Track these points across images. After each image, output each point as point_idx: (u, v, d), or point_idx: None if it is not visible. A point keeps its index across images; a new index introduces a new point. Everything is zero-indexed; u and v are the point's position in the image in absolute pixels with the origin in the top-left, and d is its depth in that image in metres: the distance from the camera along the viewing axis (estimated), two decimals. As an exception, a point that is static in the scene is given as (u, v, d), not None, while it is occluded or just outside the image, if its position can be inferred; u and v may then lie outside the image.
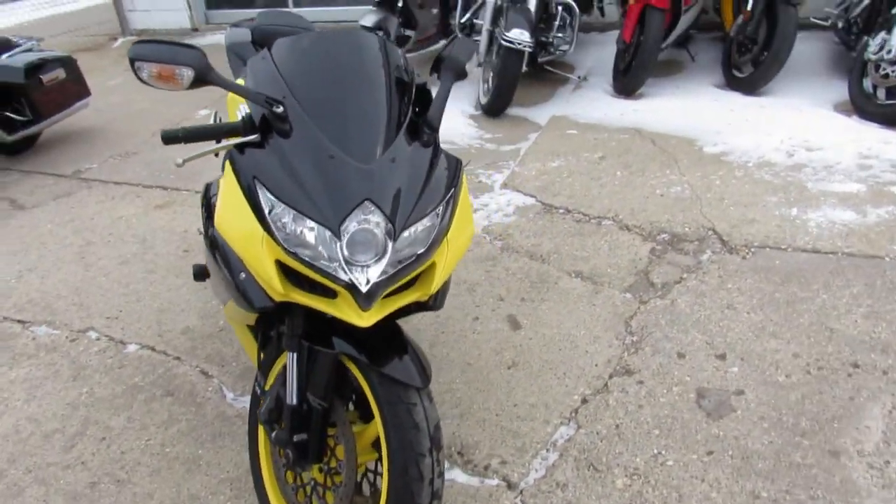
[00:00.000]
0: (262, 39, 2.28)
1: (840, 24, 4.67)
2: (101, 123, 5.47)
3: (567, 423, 2.18)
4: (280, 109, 1.43)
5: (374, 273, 1.36)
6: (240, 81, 1.71)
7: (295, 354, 1.56)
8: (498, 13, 4.67)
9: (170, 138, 1.48)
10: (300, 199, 1.36)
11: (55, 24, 9.89)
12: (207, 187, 2.03)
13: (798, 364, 2.32)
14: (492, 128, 4.71)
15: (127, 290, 3.14)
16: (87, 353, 2.72)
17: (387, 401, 1.48)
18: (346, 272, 1.35)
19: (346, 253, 1.34)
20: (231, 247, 1.51)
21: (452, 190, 1.50)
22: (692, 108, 4.56)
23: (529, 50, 4.43)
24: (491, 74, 4.78)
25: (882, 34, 4.00)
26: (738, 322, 2.55)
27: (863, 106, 4.14)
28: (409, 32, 5.40)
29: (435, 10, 5.60)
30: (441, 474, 1.52)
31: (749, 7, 4.50)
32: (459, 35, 5.33)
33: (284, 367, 1.59)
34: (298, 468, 1.65)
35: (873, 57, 4.02)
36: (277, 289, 1.40)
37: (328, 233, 1.34)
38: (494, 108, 4.81)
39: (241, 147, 1.48)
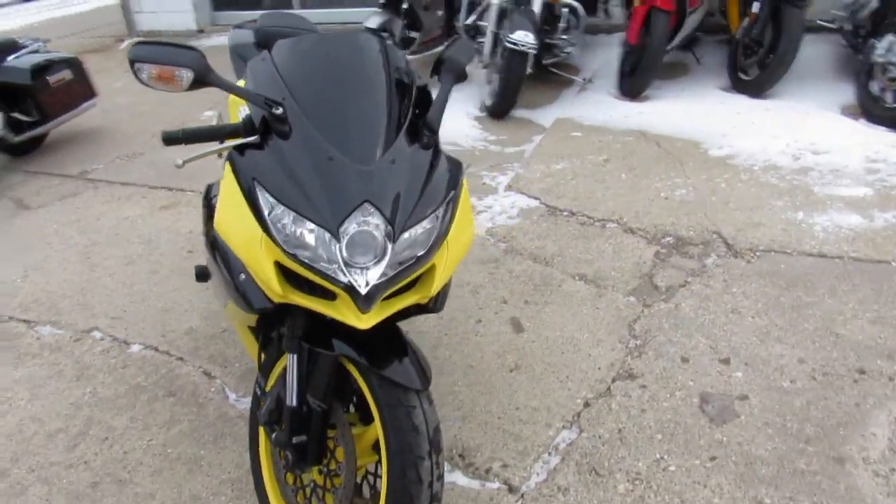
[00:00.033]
0: (264, 41, 2.27)
1: (847, 27, 4.64)
2: (107, 124, 5.49)
3: (569, 426, 2.17)
4: (279, 111, 1.42)
5: (374, 275, 1.35)
6: (241, 83, 1.71)
7: (295, 356, 1.56)
8: (502, 15, 4.67)
9: (170, 139, 1.48)
10: (299, 201, 1.35)
11: (63, 26, 9.94)
12: (209, 188, 2.04)
13: (803, 369, 2.31)
14: (496, 130, 4.70)
15: (131, 291, 3.14)
16: (91, 353, 2.73)
17: (386, 403, 1.47)
18: (345, 274, 1.34)
19: (345, 255, 1.33)
20: (230, 248, 1.51)
21: (453, 192, 1.49)
22: (697, 110, 4.55)
23: (534, 52, 4.42)
24: (495, 76, 4.78)
25: (889, 36, 3.98)
26: (743, 326, 2.54)
27: (870, 109, 4.12)
28: (413, 34, 5.41)
29: (440, 12, 5.60)
30: (440, 477, 1.51)
31: (755, 9, 4.48)
32: (464, 36, 5.32)
33: (285, 369, 1.59)
34: (298, 470, 1.65)
35: (881, 59, 4.00)
36: (276, 290, 1.40)
37: (327, 234, 1.34)
38: (499, 109, 4.80)
39: (240, 148, 1.48)
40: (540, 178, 3.87)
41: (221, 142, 1.56)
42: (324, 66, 1.55)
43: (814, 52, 4.90)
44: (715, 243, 3.08)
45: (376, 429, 1.50)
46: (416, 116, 1.57)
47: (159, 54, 1.39)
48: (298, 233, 1.36)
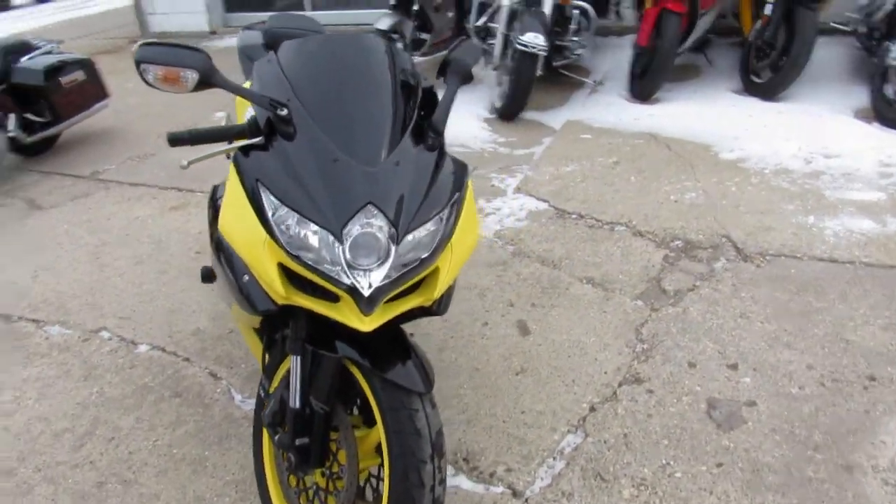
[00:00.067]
0: (272, 42, 2.28)
1: (861, 29, 4.60)
2: (119, 125, 5.53)
3: (574, 431, 2.15)
4: (284, 112, 1.42)
5: (377, 277, 1.35)
6: (248, 84, 1.71)
7: (298, 358, 1.55)
8: (513, 17, 4.66)
9: (176, 140, 1.48)
10: (303, 202, 1.35)
11: (77, 27, 10.03)
12: (215, 189, 2.04)
13: (812, 376, 2.28)
14: (506, 132, 4.69)
15: (140, 291, 3.16)
16: (99, 353, 2.74)
17: (389, 406, 1.47)
18: (348, 276, 1.34)
19: (348, 256, 1.33)
20: (234, 249, 1.51)
21: (457, 194, 1.49)
22: (709, 113, 4.52)
23: (544, 54, 4.41)
24: (505, 78, 4.76)
25: (904, 39, 3.94)
26: (752, 332, 2.51)
27: (884, 112, 4.07)
28: (424, 36, 5.41)
29: (450, 14, 5.60)
30: (443, 481, 1.50)
31: (768, 11, 4.45)
32: (474, 39, 5.32)
33: (289, 371, 1.59)
34: (300, 472, 1.64)
35: (895, 63, 3.95)
36: (279, 292, 1.40)
37: (330, 236, 1.33)
38: (509, 111, 4.79)
39: (245, 149, 1.48)
40: (549, 181, 3.86)
41: (230, 142, 1.56)
42: (329, 67, 1.55)
43: (827, 54, 4.85)
44: (724, 247, 3.05)
45: (379, 432, 1.50)
46: (422, 118, 1.57)
47: (165, 55, 1.39)
48: (302, 234, 1.35)
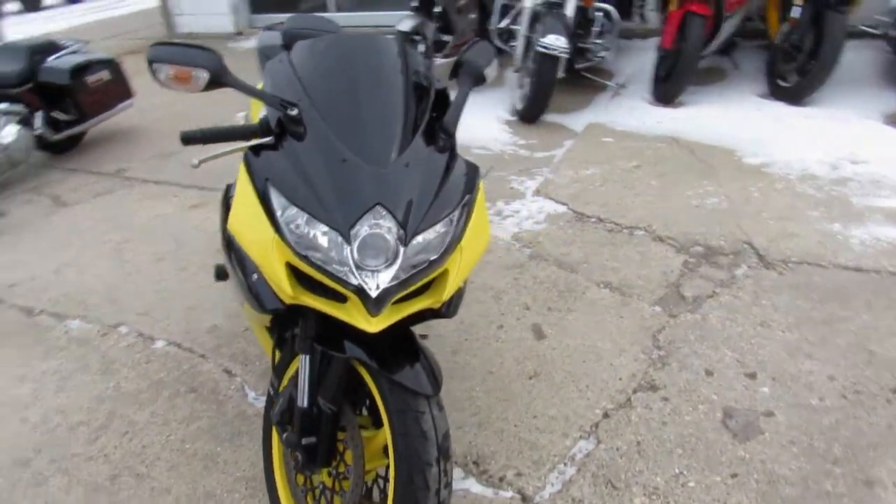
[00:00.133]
0: (290, 43, 2.27)
1: (892, 32, 4.50)
2: (144, 124, 5.61)
3: (587, 437, 2.12)
4: (294, 112, 1.42)
5: (385, 278, 1.34)
6: (261, 84, 1.72)
7: (307, 357, 1.55)
8: (535, 18, 4.64)
9: (188, 139, 1.49)
10: (311, 202, 1.35)
11: (106, 28, 10.19)
12: (228, 188, 2.05)
13: (833, 387, 2.23)
14: (526, 134, 4.67)
15: (159, 287, 3.19)
16: (117, 348, 2.77)
17: (395, 408, 1.46)
18: (355, 276, 1.33)
19: (356, 257, 1.32)
20: (243, 248, 1.51)
21: (468, 196, 1.47)
22: (733, 117, 4.45)
23: (565, 56, 4.38)
24: (527, 80, 4.74)
25: (936, 44, 3.85)
26: (772, 340, 2.46)
27: (914, 118, 3.98)
28: (446, 38, 5.40)
29: (473, 16, 5.59)
30: (448, 484, 1.49)
31: (795, 14, 4.37)
32: (497, 41, 5.30)
33: (298, 370, 1.59)
34: (307, 471, 1.64)
35: (926, 67, 3.87)
36: (287, 291, 1.39)
37: (339, 236, 1.33)
38: (530, 114, 4.77)
39: (256, 149, 1.48)
40: (568, 184, 3.83)
41: (247, 140, 1.57)
42: (341, 67, 1.54)
43: (856, 58, 4.75)
44: (746, 254, 3.00)
45: (386, 433, 1.49)
46: (434, 119, 1.56)
47: (176, 55, 1.40)
48: (311, 234, 1.35)
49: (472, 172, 1.54)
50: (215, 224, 3.74)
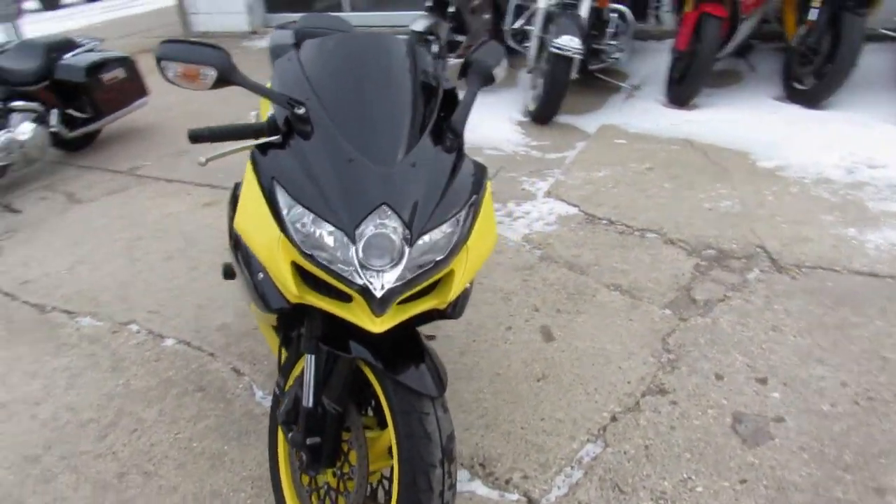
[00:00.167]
0: (302, 42, 2.28)
1: (911, 36, 4.44)
2: (158, 122, 5.64)
3: (594, 440, 2.11)
4: (301, 111, 1.42)
5: (390, 279, 1.33)
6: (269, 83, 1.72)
7: (313, 357, 1.55)
8: (549, 19, 4.61)
9: (196, 137, 1.49)
10: (317, 201, 1.34)
11: (123, 26, 10.28)
12: (236, 187, 2.05)
13: (845, 393, 2.20)
14: (539, 135, 4.65)
15: (170, 286, 3.20)
16: (127, 346, 2.78)
17: (400, 409, 1.45)
18: (360, 276, 1.32)
19: (360, 257, 1.32)
20: (249, 247, 1.51)
21: (475, 196, 1.46)
22: (748, 120, 4.41)
23: (579, 57, 4.36)
24: (540, 81, 4.72)
25: (956, 47, 3.78)
26: (783, 345, 2.43)
27: (933, 122, 3.92)
28: (460, 38, 5.39)
29: (486, 16, 5.57)
30: (452, 486, 1.48)
31: (813, 16, 4.32)
32: (510, 41, 5.29)
33: (304, 369, 1.58)
34: (312, 471, 1.64)
35: (946, 71, 3.81)
36: (292, 290, 1.39)
37: (344, 236, 1.32)
38: (542, 115, 4.75)
39: (263, 148, 1.48)
40: (580, 186, 3.81)
41: (255, 139, 1.57)
42: (349, 66, 1.54)
43: (875, 61, 4.69)
44: (759, 257, 2.97)
45: (390, 434, 1.48)
46: (442, 119, 1.55)
47: (185, 53, 1.40)
48: (317, 234, 1.35)
49: (480, 173, 1.53)
50: (226, 222, 3.76)
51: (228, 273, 2.14)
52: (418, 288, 1.40)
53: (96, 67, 4.65)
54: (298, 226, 1.36)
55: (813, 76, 4.48)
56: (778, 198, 3.46)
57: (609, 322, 2.65)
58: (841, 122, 4.19)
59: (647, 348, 2.49)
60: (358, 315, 1.39)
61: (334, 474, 1.66)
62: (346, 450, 1.62)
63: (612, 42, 4.92)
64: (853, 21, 4.09)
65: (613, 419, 2.18)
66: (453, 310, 1.55)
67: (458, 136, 1.50)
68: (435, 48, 5.07)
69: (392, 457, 1.57)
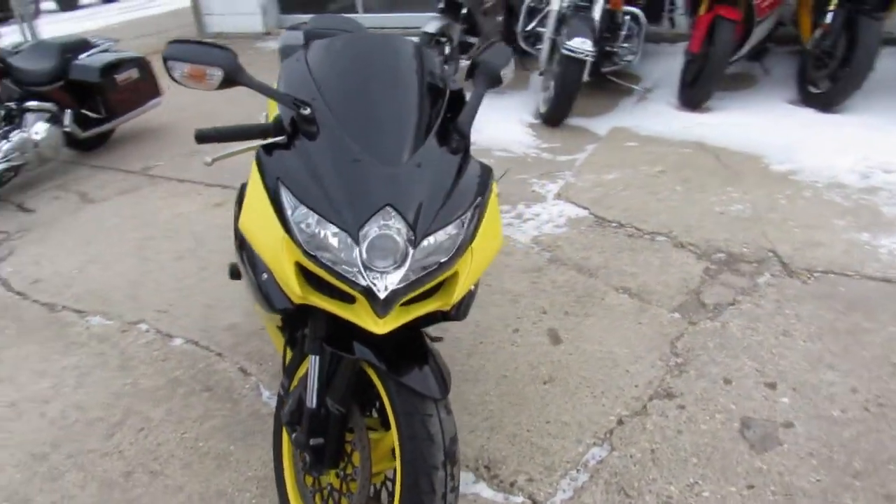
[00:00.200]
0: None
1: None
2: (171, 122, 5.68)
3: (600, 444, 2.09)
4: (307, 111, 1.42)
5: (393, 280, 1.33)
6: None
7: (317, 358, 1.55)
8: (562, 21, 4.60)
9: (202, 137, 1.50)
10: (321, 202, 1.34)
11: (139, 27, 10.36)
12: (242, 187, 2.05)
13: (856, 399, 2.17)
14: (549, 137, 4.63)
15: (179, 285, 3.22)
16: (136, 345, 2.80)
17: (403, 410, 1.45)
18: (364, 277, 1.32)
19: (364, 258, 1.32)
20: (254, 247, 1.51)
21: (480, 198, 1.46)
22: (762, 123, 4.37)
23: (590, 59, 4.34)
24: (551, 83, 4.71)
25: (974, 50, 3.73)
26: (793, 350, 2.41)
27: (949, 126, 3.87)
28: (472, 39, 5.38)
29: (499, 18, 5.57)
30: (455, 489, 1.47)
31: (828, 20, 4.27)
32: (523, 43, 5.28)
33: (308, 370, 1.58)
34: (315, 472, 1.64)
35: (963, 74, 3.76)
36: (296, 291, 1.39)
37: (348, 237, 1.32)
38: (553, 117, 4.73)
39: (268, 148, 1.48)
40: (590, 188, 3.79)
41: (261, 139, 1.57)
42: (355, 67, 1.54)
43: (892, 66, 4.63)
44: (769, 262, 2.94)
45: (393, 436, 1.48)
46: (449, 120, 1.54)
47: (192, 53, 1.41)
48: (321, 234, 1.35)
49: (486, 174, 1.53)
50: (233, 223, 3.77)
51: (234, 273, 2.15)
52: (422, 289, 1.40)
53: (110, 68, 4.69)
54: (303, 226, 1.36)
55: (828, 80, 4.43)
56: (790, 202, 3.42)
57: (617, 325, 2.63)
58: (856, 126, 4.15)
59: (655, 352, 2.47)
60: (361, 316, 1.38)
61: (338, 475, 1.65)
62: (350, 451, 1.62)
63: (625, 44, 4.90)
64: (870, 24, 4.05)
65: (620, 423, 2.17)
66: (457, 311, 1.55)
67: (464, 137, 1.50)
68: (447, 50, 5.07)
69: (395, 458, 1.57)
